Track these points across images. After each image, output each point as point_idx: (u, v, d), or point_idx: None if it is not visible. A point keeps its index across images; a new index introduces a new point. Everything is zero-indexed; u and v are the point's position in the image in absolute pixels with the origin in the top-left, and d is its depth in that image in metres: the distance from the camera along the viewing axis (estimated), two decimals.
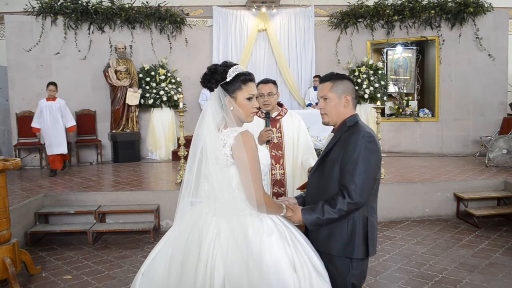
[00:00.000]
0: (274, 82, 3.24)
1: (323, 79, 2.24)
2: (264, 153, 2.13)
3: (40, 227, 5.11)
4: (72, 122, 7.09)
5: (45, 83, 8.28)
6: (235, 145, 1.92)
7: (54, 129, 6.84)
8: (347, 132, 2.12)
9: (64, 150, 6.99)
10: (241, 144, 1.91)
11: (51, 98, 6.90)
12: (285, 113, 3.32)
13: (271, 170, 3.18)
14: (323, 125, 2.31)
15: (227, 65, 2.01)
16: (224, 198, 1.93)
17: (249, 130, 2.00)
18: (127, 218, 5.39)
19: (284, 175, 3.23)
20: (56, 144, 6.87)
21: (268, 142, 3.15)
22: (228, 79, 1.98)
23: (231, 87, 1.99)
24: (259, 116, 3.25)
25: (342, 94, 2.16)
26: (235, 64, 2.02)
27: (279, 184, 3.23)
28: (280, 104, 3.37)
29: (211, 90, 2.03)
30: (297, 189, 2.97)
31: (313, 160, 3.10)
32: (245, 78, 2.01)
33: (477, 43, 8.50)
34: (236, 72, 1.99)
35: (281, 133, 3.24)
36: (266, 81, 3.21)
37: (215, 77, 1.99)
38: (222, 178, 1.94)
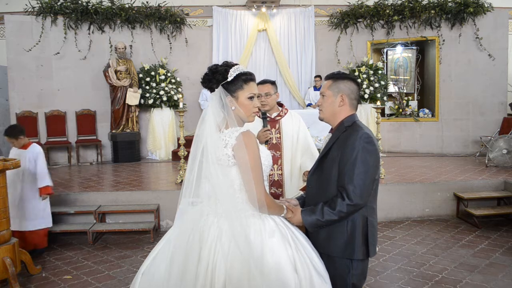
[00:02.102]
0: (272, 83, 3.23)
1: (326, 77, 2.29)
2: (265, 153, 2.12)
3: None
4: (45, 181, 4.46)
5: (45, 83, 8.35)
6: (236, 146, 1.92)
7: (17, 191, 4.38)
8: (345, 133, 2.12)
9: (27, 225, 4.39)
10: (242, 144, 1.91)
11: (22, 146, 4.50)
12: (285, 114, 3.29)
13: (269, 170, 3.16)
14: (323, 125, 2.32)
15: (228, 65, 2.01)
16: (226, 198, 1.93)
17: (250, 130, 1.99)
18: (127, 218, 5.39)
19: (282, 175, 3.21)
20: (13, 213, 4.12)
21: (266, 142, 3.14)
22: (229, 79, 1.98)
23: (232, 87, 1.99)
24: (259, 117, 3.24)
25: (338, 93, 2.18)
26: (236, 64, 2.03)
27: (276, 185, 3.21)
28: (280, 104, 3.35)
29: (212, 90, 2.03)
30: (300, 190, 2.96)
31: (310, 162, 3.08)
32: (246, 77, 2.01)
33: (477, 43, 8.50)
34: (237, 72, 1.99)
35: (280, 134, 3.22)
36: (263, 82, 3.20)
37: (216, 77, 1.99)
38: (223, 179, 1.94)
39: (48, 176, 4.55)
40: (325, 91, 2.21)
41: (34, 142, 8.00)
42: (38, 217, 4.47)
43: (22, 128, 4.62)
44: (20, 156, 4.34)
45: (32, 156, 4.44)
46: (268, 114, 3.23)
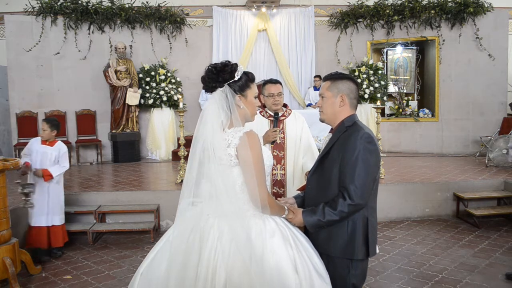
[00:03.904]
0: (280, 83, 3.28)
1: (324, 78, 2.28)
2: (267, 153, 2.13)
3: None
4: (55, 170, 4.48)
5: (45, 83, 8.36)
6: (240, 145, 1.92)
7: (45, 187, 4.47)
8: (346, 133, 2.12)
9: (55, 220, 4.53)
10: (246, 144, 1.91)
11: (47, 141, 4.54)
12: (289, 114, 3.34)
13: (272, 170, 3.18)
14: (324, 125, 2.33)
15: (232, 64, 2.01)
16: (227, 198, 1.92)
17: (253, 130, 1.99)
18: (127, 218, 5.39)
19: (285, 175, 3.24)
20: (43, 210, 4.44)
21: (273, 142, 3.16)
22: (236, 78, 1.98)
23: (240, 86, 2.00)
24: (263, 116, 3.26)
25: (338, 94, 2.17)
26: (236, 63, 2.03)
27: (279, 185, 3.24)
28: (284, 105, 3.38)
29: (213, 89, 2.00)
30: (297, 190, 2.97)
31: (311, 163, 3.10)
32: (252, 77, 2.04)
33: (477, 43, 8.50)
34: (242, 71, 2.01)
35: (284, 134, 3.26)
36: (275, 81, 3.25)
37: (223, 76, 1.97)
38: (225, 179, 1.93)
39: (61, 173, 4.62)
40: (324, 92, 2.21)
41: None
42: (60, 212, 4.61)
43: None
44: (46, 152, 4.48)
45: (58, 154, 4.54)
46: (269, 113, 3.26)
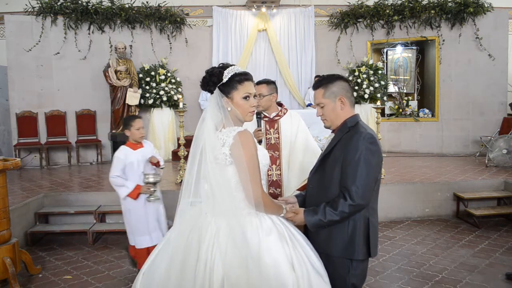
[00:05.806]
0: (268, 83, 3.18)
1: (314, 86, 2.25)
2: (263, 152, 2.14)
3: (40, 227, 5.11)
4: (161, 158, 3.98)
5: (45, 83, 8.36)
6: (233, 145, 1.94)
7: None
8: (348, 133, 2.12)
9: (158, 236, 3.87)
10: (239, 143, 1.93)
11: (139, 142, 3.84)
12: (284, 114, 3.28)
13: (268, 171, 3.16)
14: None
15: (223, 67, 2.04)
16: (223, 197, 1.95)
17: (248, 129, 2.01)
18: None
19: (281, 176, 3.21)
20: (154, 226, 3.88)
21: (260, 142, 3.13)
22: (224, 80, 2.00)
23: (227, 88, 2.01)
24: (257, 116, 3.25)
25: (335, 97, 2.16)
26: (232, 65, 2.05)
27: (275, 185, 3.21)
28: (280, 104, 3.34)
29: (211, 92, 2.05)
30: (297, 190, 2.96)
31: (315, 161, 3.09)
32: (241, 78, 2.02)
33: (477, 43, 8.49)
34: (232, 73, 2.01)
35: (278, 134, 3.22)
36: (257, 82, 3.15)
37: (212, 79, 2.02)
38: (221, 178, 1.96)
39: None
40: (321, 101, 2.18)
41: (34, 141, 8.10)
42: (165, 224, 3.88)
43: None
44: (145, 155, 3.82)
45: (152, 150, 3.93)
46: (264, 114, 3.21)
